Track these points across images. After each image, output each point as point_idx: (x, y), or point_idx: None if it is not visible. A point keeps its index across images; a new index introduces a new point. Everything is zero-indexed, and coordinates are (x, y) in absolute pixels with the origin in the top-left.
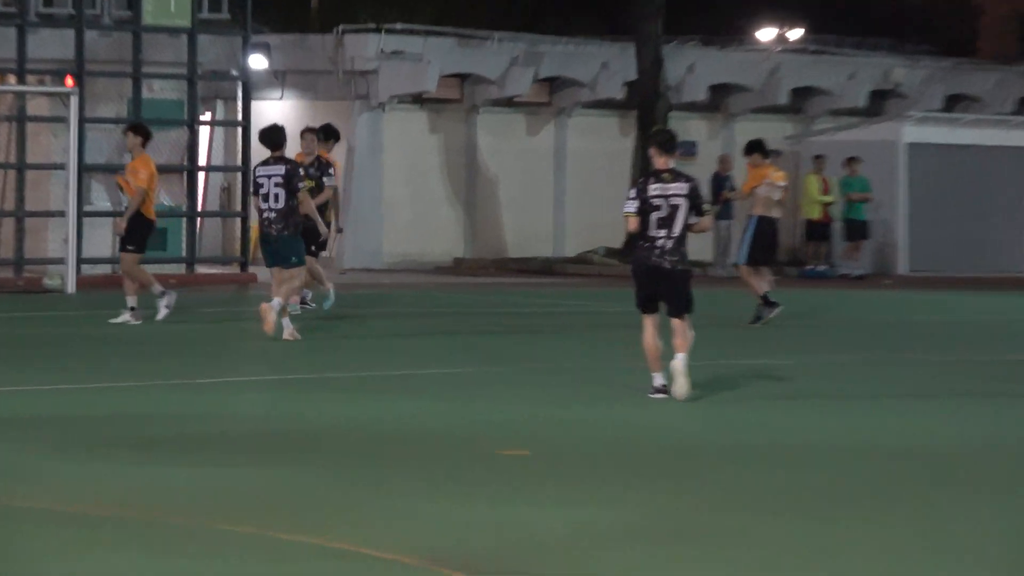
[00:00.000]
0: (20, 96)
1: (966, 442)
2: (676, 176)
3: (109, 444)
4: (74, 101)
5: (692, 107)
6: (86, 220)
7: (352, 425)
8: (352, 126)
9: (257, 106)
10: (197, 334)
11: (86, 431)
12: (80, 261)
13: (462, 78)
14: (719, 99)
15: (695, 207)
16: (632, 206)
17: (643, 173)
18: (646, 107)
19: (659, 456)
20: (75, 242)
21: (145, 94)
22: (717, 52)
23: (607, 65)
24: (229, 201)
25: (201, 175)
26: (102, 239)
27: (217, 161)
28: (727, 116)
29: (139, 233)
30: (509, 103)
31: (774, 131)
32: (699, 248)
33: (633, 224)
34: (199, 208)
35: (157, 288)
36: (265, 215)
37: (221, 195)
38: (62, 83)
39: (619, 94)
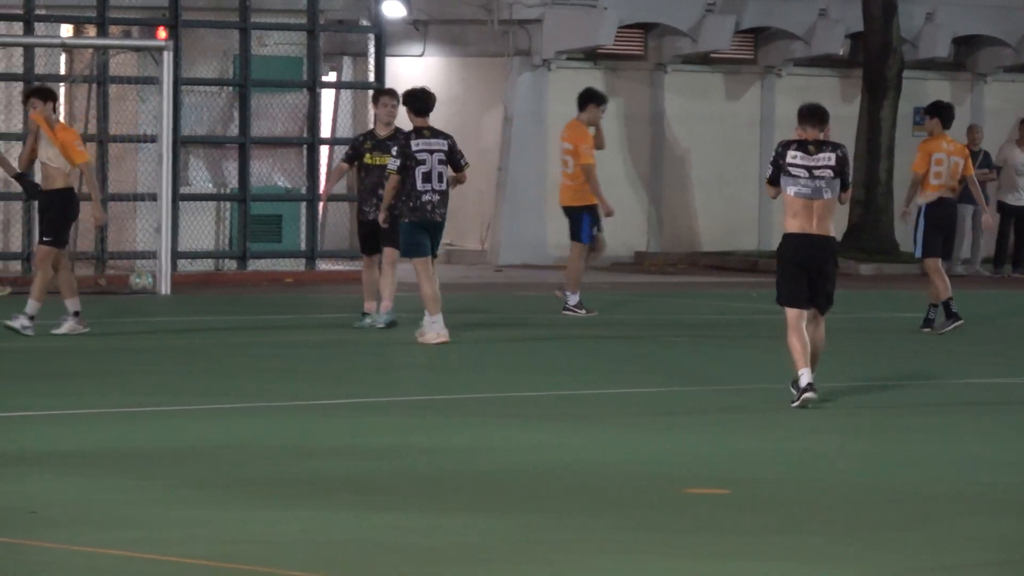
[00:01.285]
0: (102, 52)
1: None
2: (820, 146)
3: (216, 483)
4: (167, 58)
5: (931, 65)
6: (182, 205)
7: (508, 459)
8: (509, 89)
9: (393, 64)
10: (319, 345)
11: (187, 466)
12: (175, 255)
13: (646, 29)
14: (965, 55)
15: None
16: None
17: (870, 143)
18: (874, 65)
19: (888, 502)
20: (169, 232)
21: (255, 50)
22: None
23: (825, 13)
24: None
25: (324, 149)
26: (202, 228)
27: (344, 132)
28: (975, 76)
29: (62, 219)
30: (704, 60)
31: None
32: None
33: (773, 192)
34: (321, 190)
35: (76, 304)
36: (427, 198)
37: (349, 174)
38: (153, 36)
39: (840, 49)
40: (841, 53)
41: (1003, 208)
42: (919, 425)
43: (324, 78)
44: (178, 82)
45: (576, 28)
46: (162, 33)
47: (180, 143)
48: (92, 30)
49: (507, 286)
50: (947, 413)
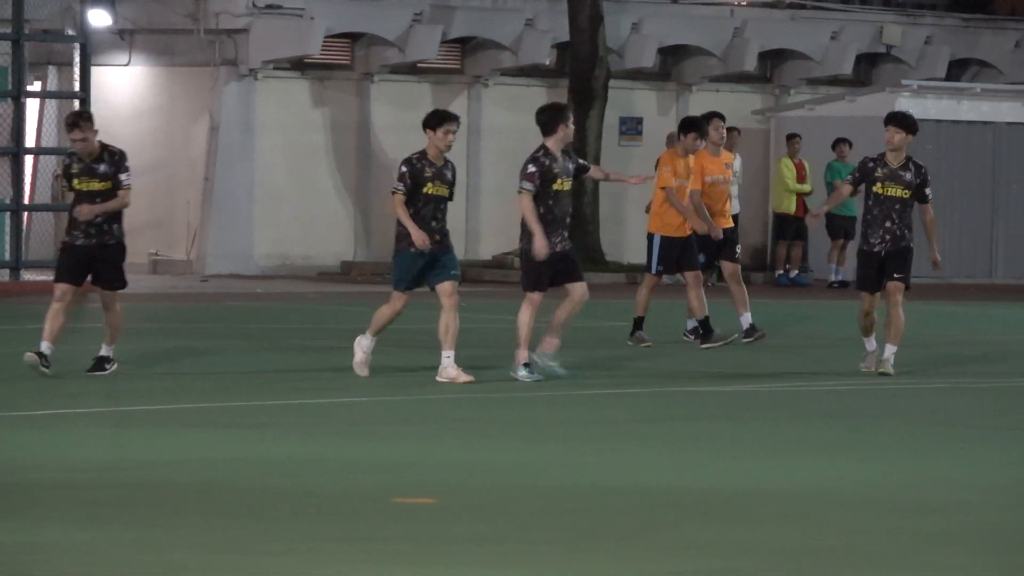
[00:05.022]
0: None
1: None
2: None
3: None
4: None
5: (638, 75)
6: None
7: (208, 470)
8: (216, 98)
9: (99, 74)
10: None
11: None
12: None
13: (353, 39)
14: (671, 65)
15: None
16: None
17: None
18: (581, 75)
19: (607, 510)
20: None
21: None
22: (669, 7)
23: (532, 23)
24: (64, 191)
25: (29, 159)
26: None
27: (49, 142)
28: (681, 86)
29: None
30: (412, 70)
31: (738, 104)
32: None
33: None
34: (26, 200)
35: None
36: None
37: (54, 184)
38: None
39: (547, 59)
40: (548, 63)
41: None
42: (640, 433)
43: (29, 88)
44: None
45: (283, 38)
46: None
47: None
48: None
49: (214, 296)
50: (664, 421)
